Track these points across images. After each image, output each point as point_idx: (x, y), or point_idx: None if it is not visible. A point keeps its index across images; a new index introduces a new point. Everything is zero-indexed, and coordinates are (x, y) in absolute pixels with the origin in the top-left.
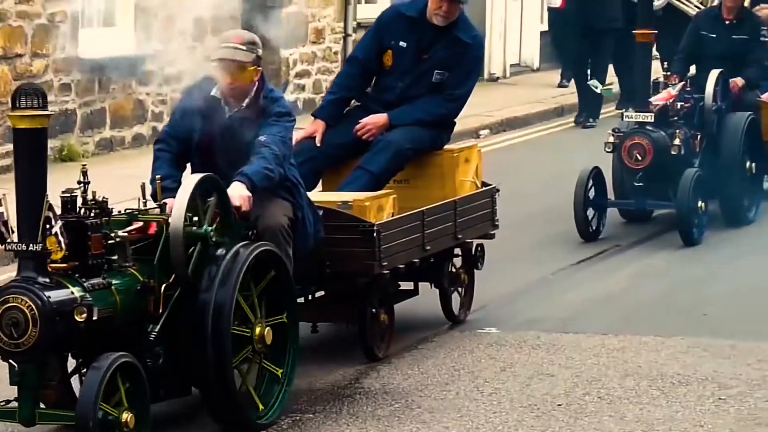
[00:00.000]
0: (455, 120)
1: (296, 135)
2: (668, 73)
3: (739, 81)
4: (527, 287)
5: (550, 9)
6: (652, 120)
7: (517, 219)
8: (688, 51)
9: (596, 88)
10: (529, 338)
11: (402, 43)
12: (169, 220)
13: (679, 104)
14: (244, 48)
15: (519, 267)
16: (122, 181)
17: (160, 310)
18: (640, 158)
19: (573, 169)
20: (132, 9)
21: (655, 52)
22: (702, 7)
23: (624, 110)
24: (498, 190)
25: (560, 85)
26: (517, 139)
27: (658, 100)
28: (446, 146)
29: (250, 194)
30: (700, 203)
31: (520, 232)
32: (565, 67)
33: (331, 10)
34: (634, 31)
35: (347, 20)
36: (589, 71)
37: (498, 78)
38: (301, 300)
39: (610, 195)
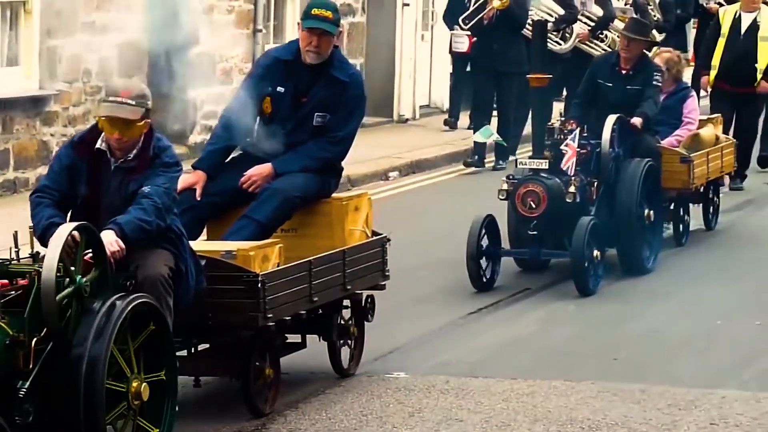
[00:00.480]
0: (342, 166)
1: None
2: (563, 118)
3: (637, 121)
4: (436, 332)
5: (453, 53)
6: (547, 167)
7: (417, 265)
8: (585, 97)
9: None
10: (437, 383)
11: (280, 89)
12: (41, 271)
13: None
14: (133, 103)
15: (426, 311)
16: (27, 223)
17: (31, 366)
18: (534, 206)
19: (479, 214)
20: (36, 48)
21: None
22: (609, 50)
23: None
24: (389, 240)
25: (446, 122)
26: (426, 182)
27: (566, 162)
28: (336, 194)
29: (121, 241)
30: (595, 252)
31: (418, 281)
32: (474, 113)
33: (239, 50)
34: (528, 76)
35: (255, 60)
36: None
37: (407, 119)
38: (183, 353)
39: (506, 243)
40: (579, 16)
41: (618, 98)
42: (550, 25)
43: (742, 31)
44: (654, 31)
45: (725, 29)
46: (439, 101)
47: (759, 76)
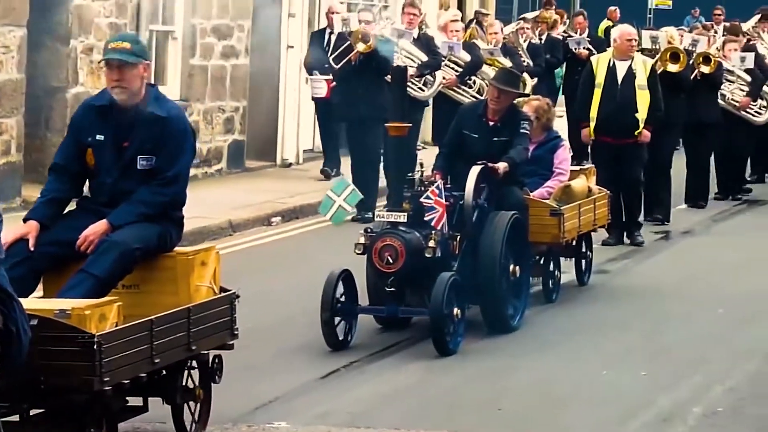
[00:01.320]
0: (183, 214)
1: (4, 236)
2: (423, 169)
3: (501, 165)
4: (317, 381)
5: (314, 99)
6: (405, 220)
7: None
8: (450, 148)
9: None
10: None
11: (99, 137)
12: None
13: None
14: None
15: (296, 364)
16: None
17: None
18: (391, 261)
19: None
20: None
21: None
22: (479, 97)
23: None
24: (238, 296)
25: (323, 172)
26: (308, 228)
27: (438, 221)
28: (181, 248)
29: None
30: (455, 310)
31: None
32: (328, 158)
33: None
34: (386, 125)
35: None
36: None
37: (291, 164)
38: (15, 418)
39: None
40: (446, 62)
41: (484, 150)
42: (413, 70)
43: (619, 80)
44: (525, 75)
45: (600, 79)
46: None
47: (641, 125)
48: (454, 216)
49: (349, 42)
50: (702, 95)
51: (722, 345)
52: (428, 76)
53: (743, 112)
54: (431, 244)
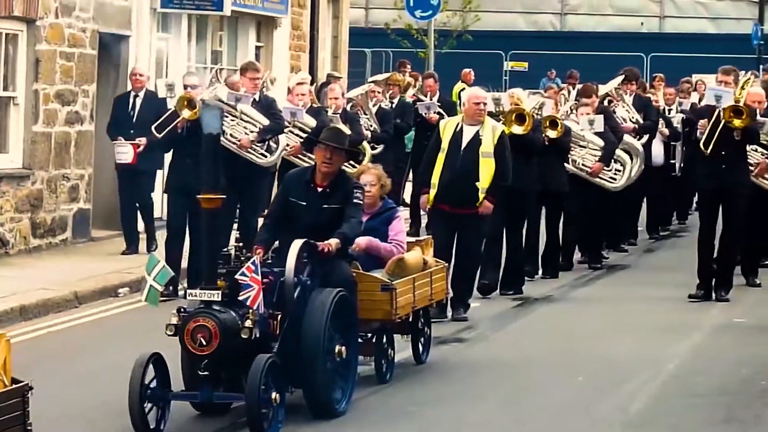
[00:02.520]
0: None
1: None
2: (239, 244)
3: (333, 243)
4: None
5: (118, 164)
6: (219, 298)
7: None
8: (275, 218)
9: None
10: None
11: None
12: None
13: None
14: None
15: None
16: None
17: None
18: (204, 343)
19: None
20: None
21: None
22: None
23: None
24: (31, 388)
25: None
26: None
27: (253, 300)
28: None
29: None
30: (273, 395)
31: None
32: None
33: None
34: (198, 196)
35: None
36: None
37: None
38: None
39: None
40: (290, 128)
41: (313, 219)
42: (253, 135)
43: (463, 146)
44: (365, 144)
45: (445, 144)
46: None
47: (481, 195)
48: (275, 293)
49: (173, 109)
50: (550, 162)
51: (581, 414)
52: (272, 143)
53: (597, 179)
54: (248, 324)
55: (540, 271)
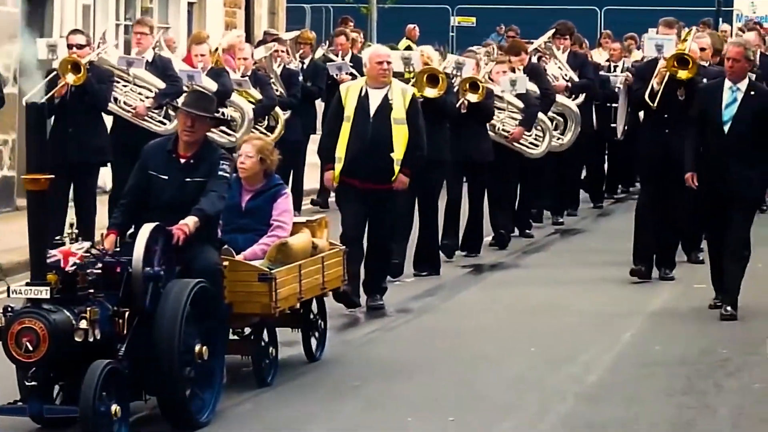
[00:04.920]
0: None
1: None
2: (76, 231)
3: (190, 222)
4: None
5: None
6: (49, 296)
7: None
8: (133, 196)
9: None
10: None
11: None
12: None
13: (93, 271)
14: None
15: None
16: None
17: None
18: (32, 348)
19: None
20: None
21: None
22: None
23: None
24: None
25: None
26: None
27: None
28: None
29: None
30: (113, 408)
31: None
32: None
33: None
34: (23, 177)
35: None
36: None
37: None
38: None
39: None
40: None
41: (175, 195)
42: (149, 101)
43: (371, 112)
44: (278, 109)
45: (350, 111)
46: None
47: (397, 168)
48: (120, 287)
49: (55, 71)
50: (471, 128)
51: (534, 387)
52: (170, 110)
53: (516, 144)
54: (82, 325)
55: (459, 248)
